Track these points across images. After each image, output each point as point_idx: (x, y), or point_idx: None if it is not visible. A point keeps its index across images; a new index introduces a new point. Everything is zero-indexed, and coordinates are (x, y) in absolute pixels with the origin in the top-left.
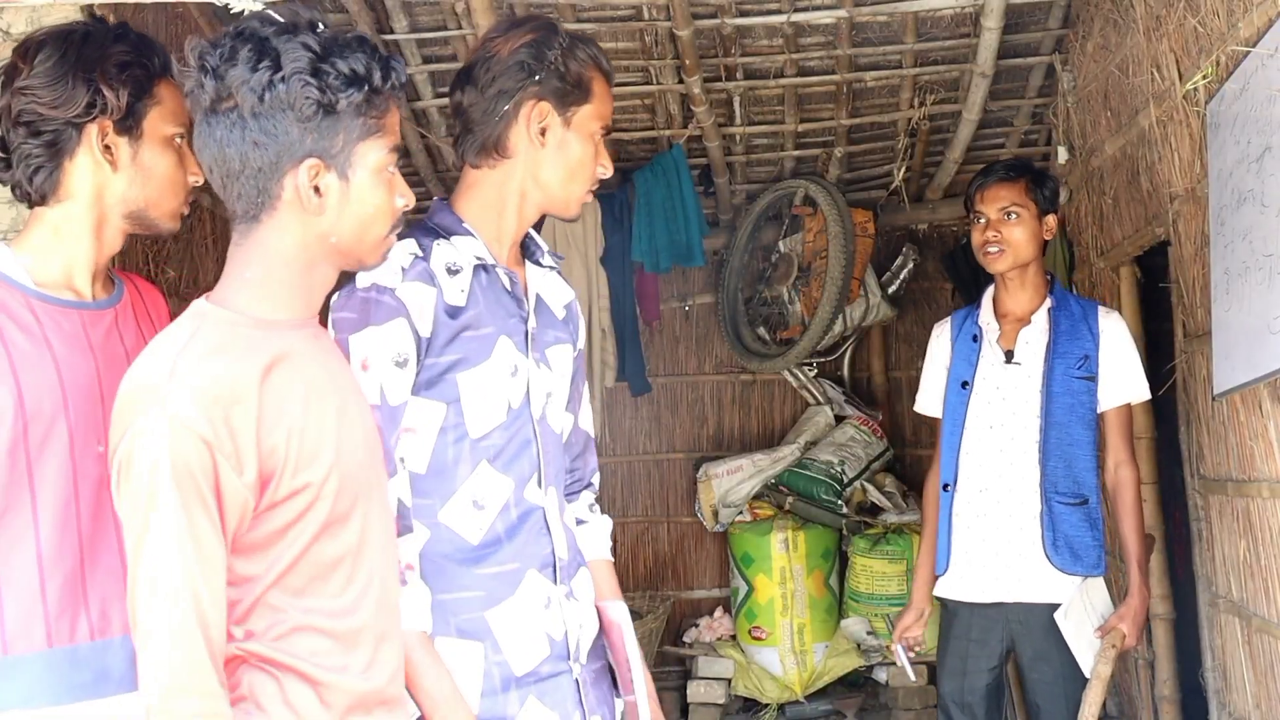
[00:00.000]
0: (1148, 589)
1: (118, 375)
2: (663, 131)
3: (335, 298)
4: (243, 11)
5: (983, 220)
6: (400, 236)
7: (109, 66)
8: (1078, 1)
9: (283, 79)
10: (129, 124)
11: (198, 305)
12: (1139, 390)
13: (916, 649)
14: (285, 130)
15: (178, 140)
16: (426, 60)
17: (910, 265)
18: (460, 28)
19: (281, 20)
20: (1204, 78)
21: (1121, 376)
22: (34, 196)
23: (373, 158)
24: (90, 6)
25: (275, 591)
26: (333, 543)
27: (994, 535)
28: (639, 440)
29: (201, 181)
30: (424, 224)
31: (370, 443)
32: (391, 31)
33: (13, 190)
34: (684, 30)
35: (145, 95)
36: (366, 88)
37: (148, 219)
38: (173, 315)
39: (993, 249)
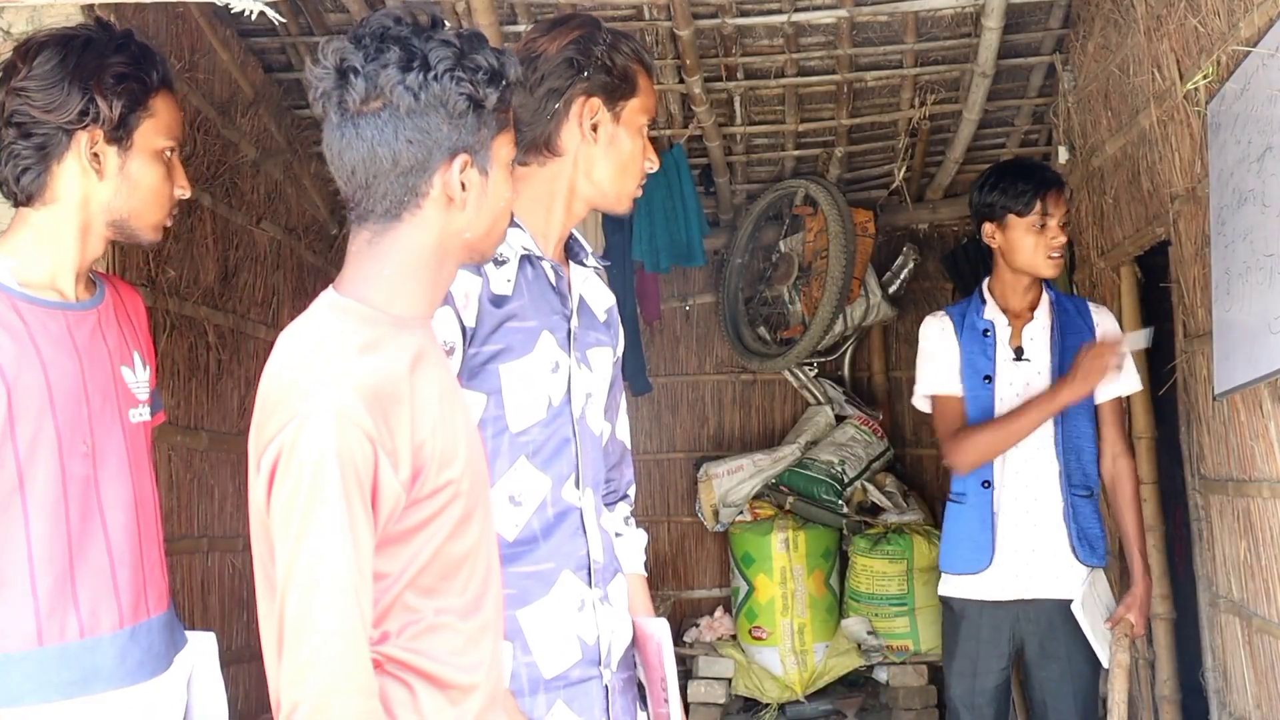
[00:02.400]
0: (1149, 576)
1: (101, 375)
2: (663, 131)
3: None
4: (243, 12)
5: (1044, 223)
6: None
7: (106, 76)
8: (1078, 1)
9: (435, 77)
10: (119, 135)
11: (332, 299)
12: (1132, 382)
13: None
14: (437, 127)
15: (168, 154)
16: None
17: (911, 265)
18: (460, 27)
19: (414, 19)
20: (1205, 77)
21: (1121, 368)
22: (20, 196)
23: (504, 152)
24: (90, 6)
25: (410, 591)
26: (461, 540)
27: (1012, 532)
28: (639, 440)
29: (188, 195)
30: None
31: (478, 436)
32: None
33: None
34: (684, 30)
35: (139, 108)
36: (504, 83)
37: (129, 228)
38: (169, 316)
39: (1056, 254)
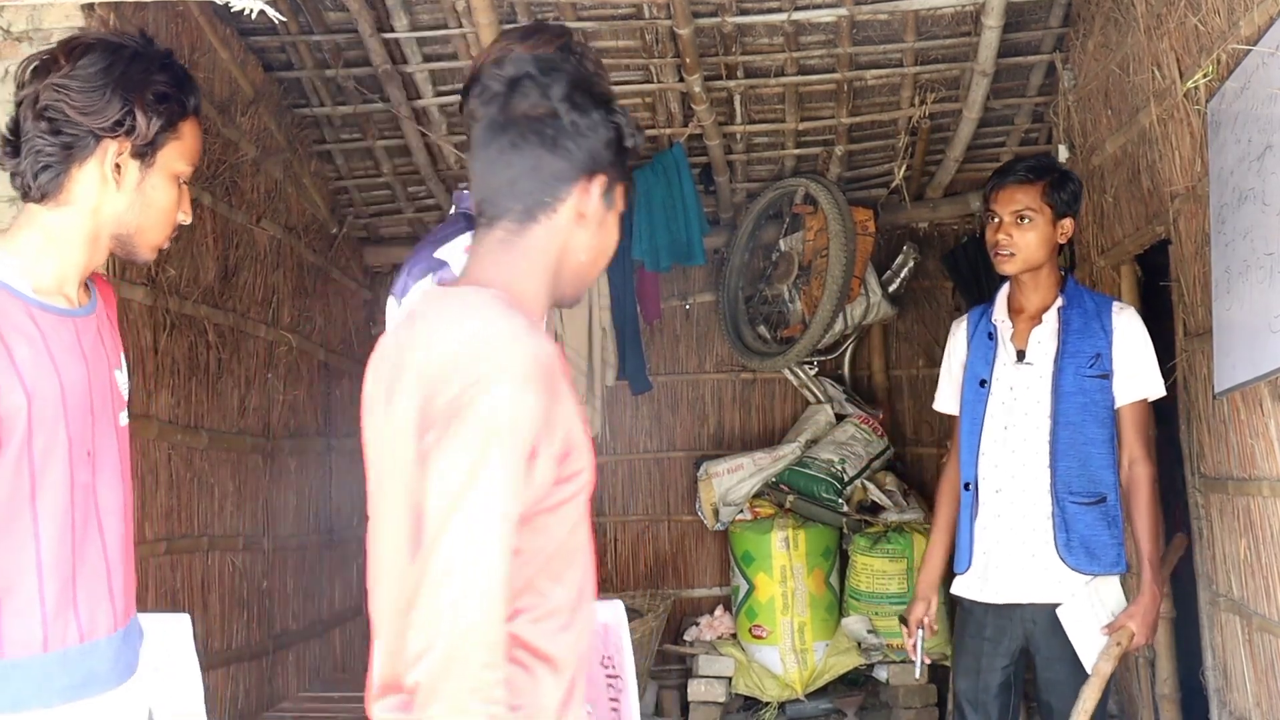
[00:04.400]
0: (1160, 588)
1: (101, 381)
2: (663, 130)
3: (432, 283)
4: (244, 11)
5: (996, 220)
6: (455, 234)
7: (149, 92)
8: (1078, 0)
9: (596, 105)
10: (145, 150)
11: (477, 289)
12: (1153, 387)
13: (933, 630)
14: (587, 147)
15: (182, 180)
16: (427, 59)
17: (911, 264)
18: (460, 26)
19: (581, 58)
20: (1205, 76)
21: (1134, 373)
22: (33, 192)
23: (619, 202)
24: (90, 6)
25: (541, 574)
26: (580, 531)
27: (1009, 536)
28: (639, 439)
29: (189, 222)
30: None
31: None
32: (392, 30)
33: (12, 179)
34: (684, 28)
35: (170, 129)
36: (635, 141)
37: (131, 244)
38: (169, 315)
39: (1003, 251)
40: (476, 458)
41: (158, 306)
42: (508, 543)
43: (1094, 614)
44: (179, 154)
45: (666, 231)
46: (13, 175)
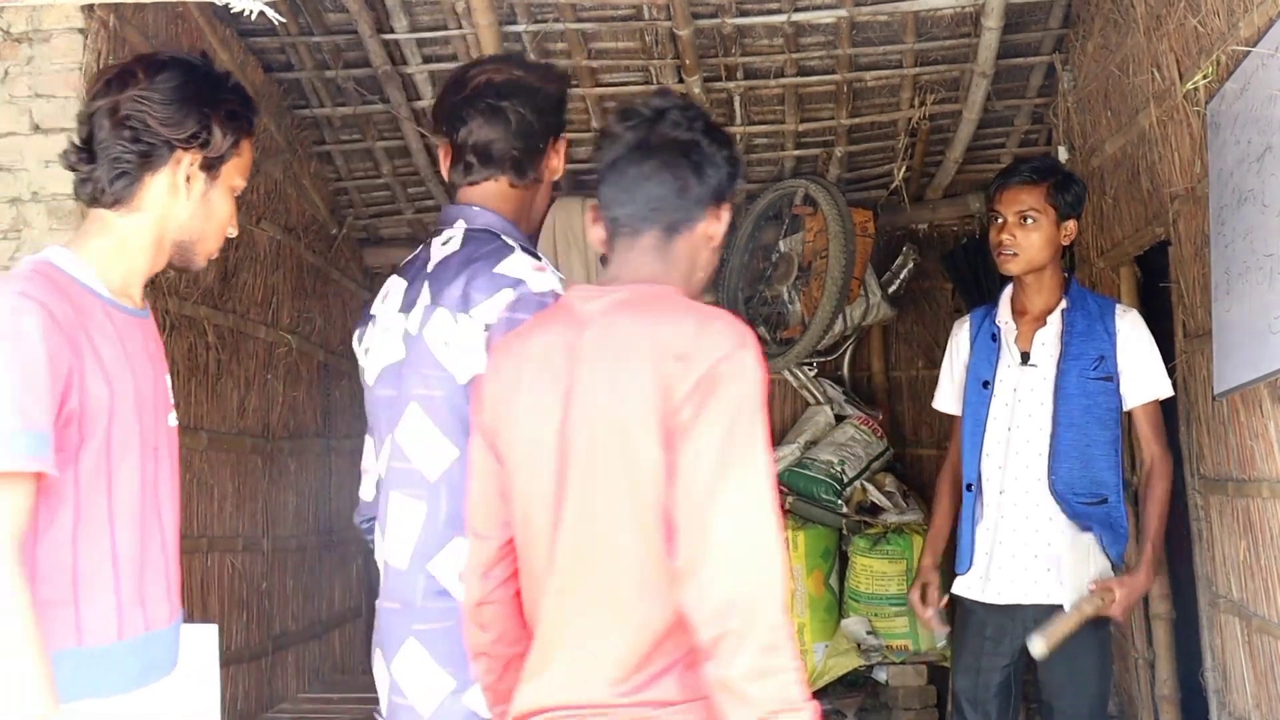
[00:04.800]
0: (1152, 571)
1: (159, 381)
2: None
3: (514, 299)
4: (243, 11)
5: (999, 220)
6: (501, 251)
7: (222, 110)
8: (1078, 1)
9: (728, 145)
10: (214, 164)
11: (656, 285)
12: (1162, 387)
13: (941, 604)
14: (721, 180)
15: (235, 193)
16: (427, 60)
17: (910, 265)
18: (460, 27)
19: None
20: (1204, 77)
21: (1141, 375)
22: (105, 198)
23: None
24: (90, 6)
25: None
26: None
27: (1011, 538)
28: None
29: (236, 234)
30: (521, 243)
31: None
32: (391, 31)
33: (80, 185)
34: (684, 30)
35: (234, 145)
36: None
37: (190, 252)
38: (169, 316)
39: (1006, 251)
40: (744, 420)
41: (157, 307)
42: (775, 503)
43: (1087, 568)
44: (238, 169)
45: None
46: (83, 181)
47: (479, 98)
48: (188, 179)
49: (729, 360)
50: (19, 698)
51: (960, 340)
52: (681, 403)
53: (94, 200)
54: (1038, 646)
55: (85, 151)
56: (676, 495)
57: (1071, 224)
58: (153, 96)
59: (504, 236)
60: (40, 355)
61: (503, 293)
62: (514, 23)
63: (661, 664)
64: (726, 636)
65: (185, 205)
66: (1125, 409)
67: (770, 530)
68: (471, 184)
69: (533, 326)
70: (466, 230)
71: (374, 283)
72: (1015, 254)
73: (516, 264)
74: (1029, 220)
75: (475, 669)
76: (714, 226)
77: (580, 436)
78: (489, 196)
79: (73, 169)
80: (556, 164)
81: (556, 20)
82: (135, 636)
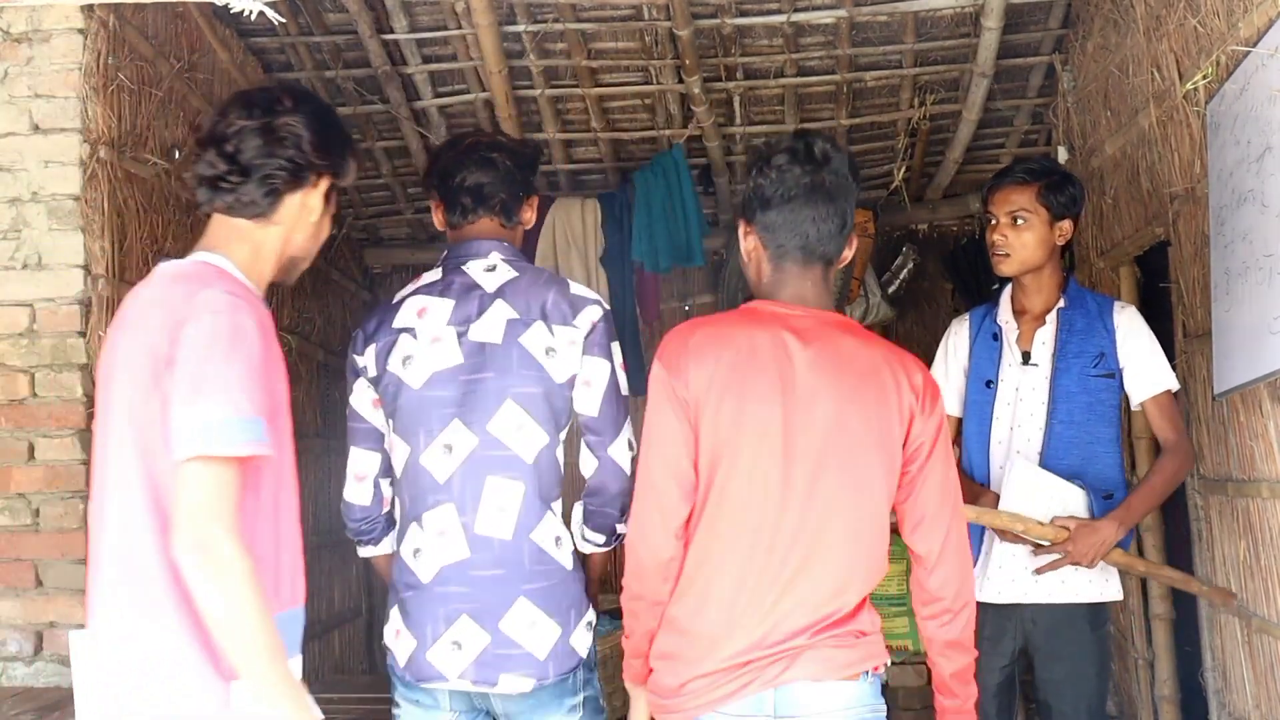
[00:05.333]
0: (1116, 528)
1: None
2: (663, 131)
3: (602, 313)
4: (243, 11)
5: (993, 221)
6: (558, 276)
7: (351, 143)
8: (1078, 1)
9: (859, 183)
10: (332, 191)
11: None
12: (1167, 378)
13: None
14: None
15: None
16: (426, 60)
17: (910, 265)
18: (460, 27)
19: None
20: (1204, 78)
21: (1144, 369)
22: (248, 210)
23: None
24: (90, 6)
25: None
26: None
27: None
28: (639, 440)
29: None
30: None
31: None
32: (391, 31)
33: (222, 194)
34: (684, 30)
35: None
36: None
37: (295, 268)
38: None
39: (999, 252)
40: (948, 433)
41: None
42: None
43: (1045, 496)
44: (335, 198)
45: (666, 233)
46: (227, 193)
47: (472, 151)
48: (325, 199)
49: (921, 375)
50: (266, 652)
51: (959, 340)
52: (918, 427)
53: (231, 210)
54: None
55: (235, 167)
56: (919, 498)
57: (1067, 224)
58: (308, 121)
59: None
60: (258, 349)
61: (590, 308)
62: (514, 23)
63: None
64: (964, 607)
65: (308, 225)
66: (1134, 405)
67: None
68: (470, 224)
69: (731, 324)
70: (505, 259)
71: (373, 283)
72: (1008, 254)
73: (580, 286)
74: (1020, 221)
75: (645, 618)
76: (849, 255)
77: (813, 431)
78: (489, 234)
79: (219, 182)
80: (530, 217)
81: (556, 20)
82: (298, 607)
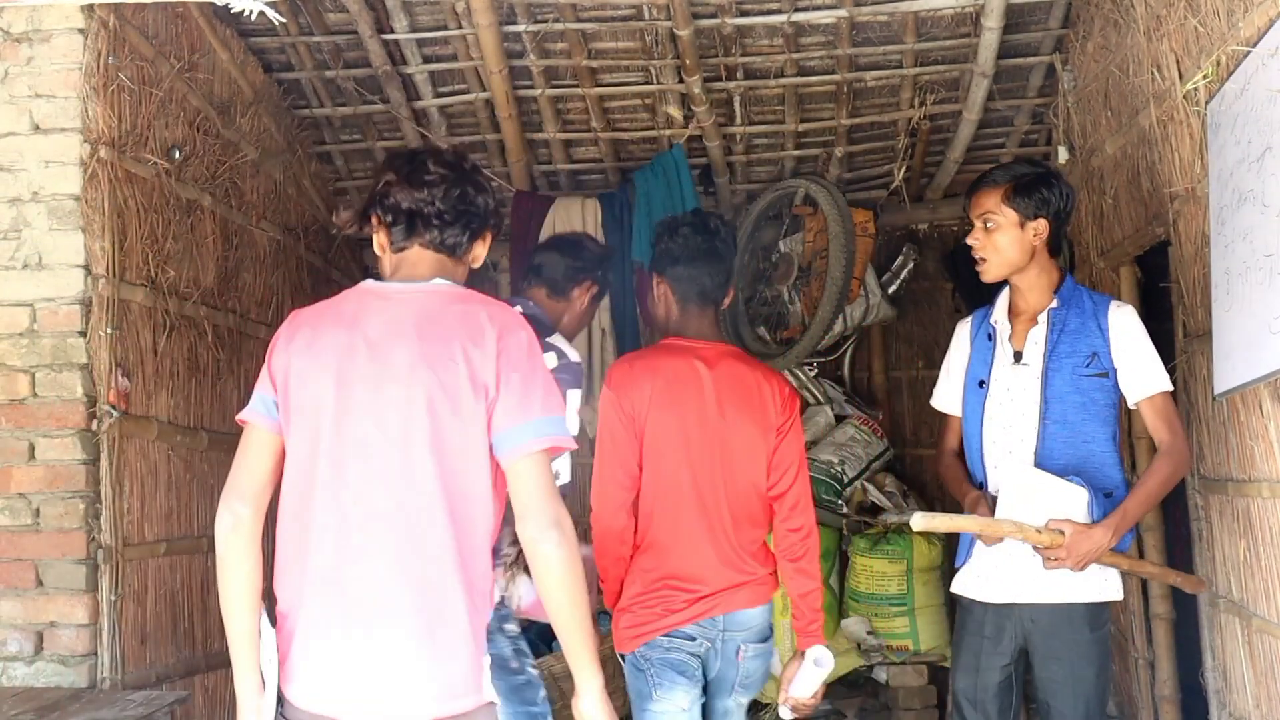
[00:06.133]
0: (1111, 533)
1: None
2: (663, 131)
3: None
4: (244, 11)
5: (973, 225)
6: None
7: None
8: (1078, 1)
9: None
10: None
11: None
12: (1160, 379)
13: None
14: None
15: None
16: (427, 60)
17: (910, 265)
18: (460, 27)
19: None
20: (1204, 78)
21: (1140, 369)
22: (452, 250)
23: None
24: (90, 6)
25: None
26: None
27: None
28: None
29: None
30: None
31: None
32: (392, 31)
33: (443, 235)
34: (684, 30)
35: None
36: None
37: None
38: (169, 316)
39: (976, 256)
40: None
41: (158, 307)
42: None
43: (1044, 498)
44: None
45: None
46: (445, 233)
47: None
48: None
49: (793, 400)
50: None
51: (961, 340)
52: (782, 422)
53: (442, 247)
54: (918, 521)
55: (448, 217)
56: (781, 464)
57: (1041, 224)
58: (486, 188)
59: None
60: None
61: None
62: (514, 23)
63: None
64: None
65: (473, 265)
66: (1130, 406)
67: None
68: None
69: (657, 357)
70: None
71: None
72: (984, 259)
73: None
74: (990, 224)
75: (614, 570)
76: (727, 301)
77: (718, 428)
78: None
79: (443, 224)
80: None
81: (556, 20)
82: None
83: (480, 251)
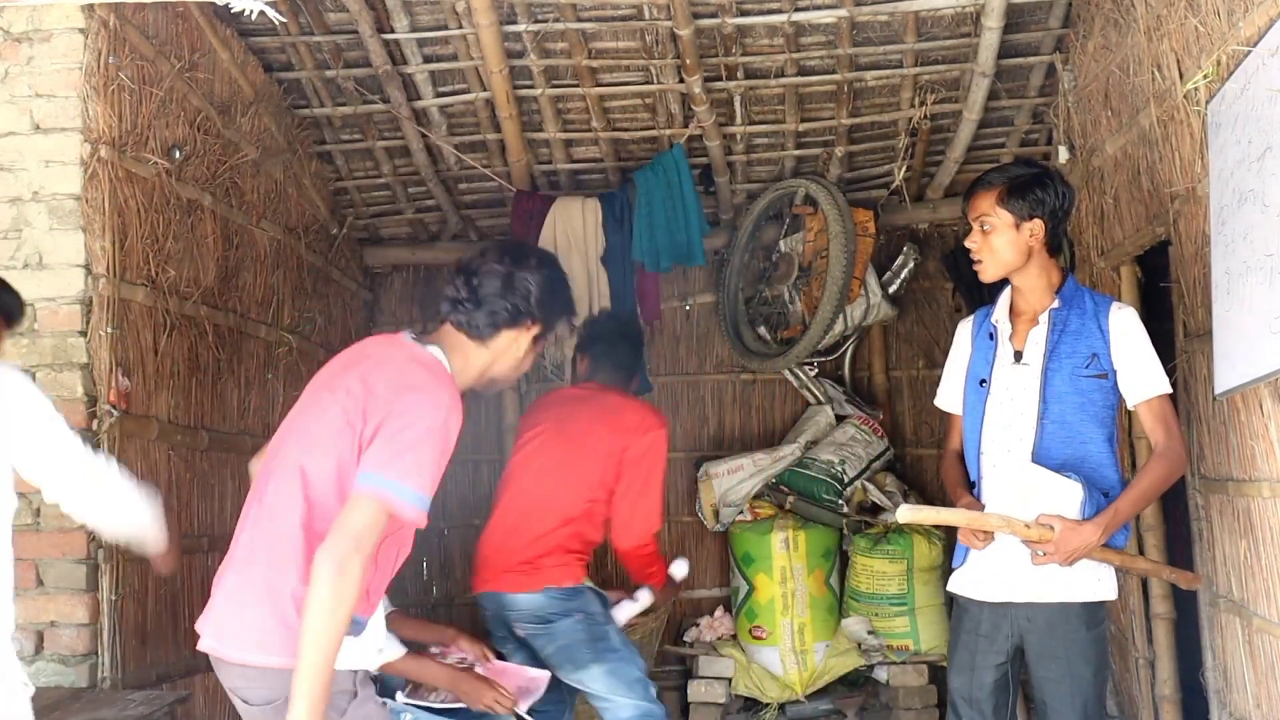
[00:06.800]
0: (1101, 531)
1: None
2: (663, 131)
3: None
4: (244, 11)
5: (971, 227)
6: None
7: (571, 318)
8: (1078, 1)
9: None
10: (540, 339)
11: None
12: (1159, 382)
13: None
14: None
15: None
16: (427, 60)
17: (911, 265)
18: (460, 26)
19: None
20: (1205, 77)
21: (1139, 372)
22: (472, 331)
23: None
24: (90, 6)
25: None
26: None
27: (1004, 535)
28: None
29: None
30: None
31: None
32: (392, 31)
33: (457, 313)
34: (684, 29)
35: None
36: None
37: (494, 385)
38: (169, 316)
39: (974, 259)
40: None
41: (158, 307)
42: None
43: (1041, 496)
44: (535, 346)
45: (666, 232)
46: (460, 313)
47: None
48: (522, 341)
49: (645, 429)
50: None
51: (962, 339)
52: (627, 442)
53: (459, 327)
54: (903, 513)
55: (474, 299)
56: (623, 482)
57: (1037, 224)
58: (540, 281)
59: None
60: (450, 450)
61: None
62: (514, 22)
63: None
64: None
65: (511, 358)
66: (1129, 407)
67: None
68: None
69: (558, 394)
70: None
71: (374, 283)
72: (980, 260)
73: None
74: (986, 226)
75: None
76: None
77: (554, 454)
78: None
79: (457, 304)
80: None
81: (557, 20)
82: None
83: (509, 341)
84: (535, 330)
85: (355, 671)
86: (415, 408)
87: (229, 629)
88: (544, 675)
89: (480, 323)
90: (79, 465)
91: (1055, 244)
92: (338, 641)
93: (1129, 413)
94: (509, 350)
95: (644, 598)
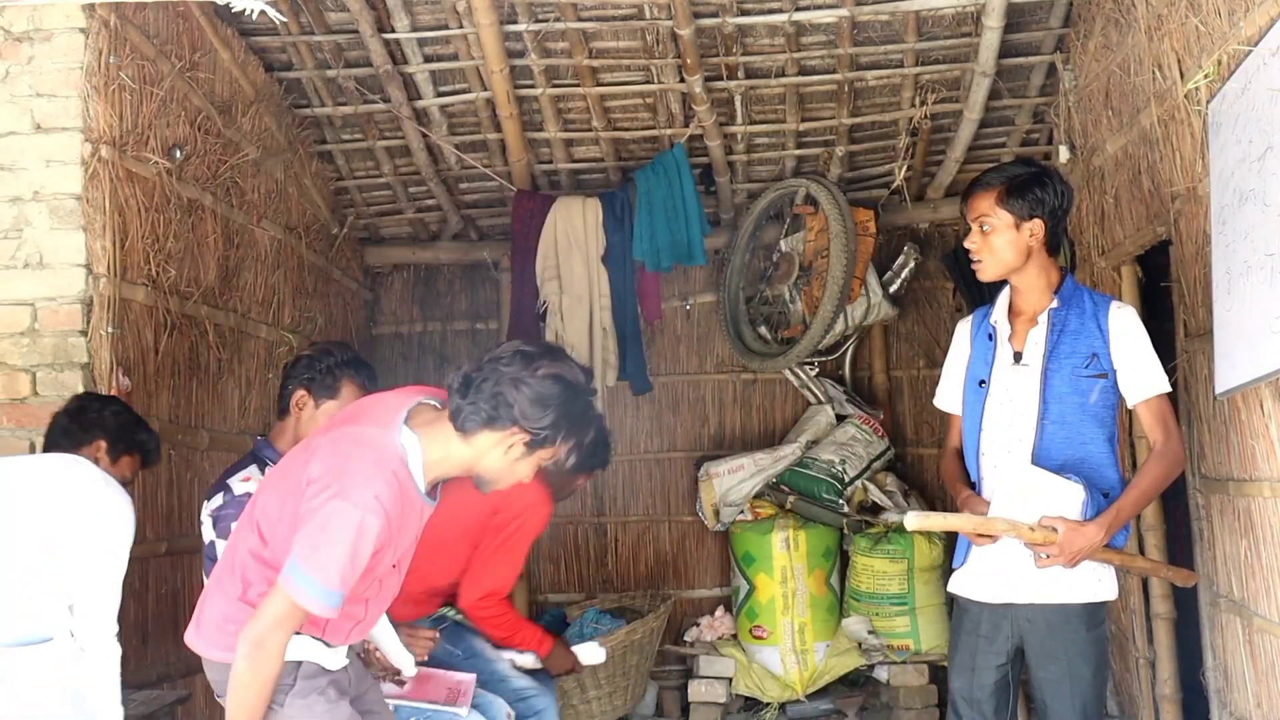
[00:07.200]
0: (1103, 531)
1: (409, 544)
2: (664, 130)
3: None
4: (245, 11)
5: (969, 228)
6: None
7: (584, 439)
8: (1079, 0)
9: None
10: (536, 448)
11: None
12: (1158, 382)
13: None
14: None
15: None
16: (427, 59)
17: (911, 264)
18: (461, 26)
19: None
20: (1205, 77)
21: (1139, 371)
22: (456, 421)
23: None
24: (91, 6)
25: None
26: None
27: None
28: (640, 439)
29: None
30: None
31: None
32: (393, 30)
33: (453, 401)
34: (685, 29)
35: (550, 446)
36: None
37: (484, 484)
38: (169, 315)
39: (973, 259)
40: None
41: (158, 307)
42: None
43: (1042, 497)
44: (552, 455)
45: (667, 232)
46: (455, 399)
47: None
48: (510, 447)
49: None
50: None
51: (962, 339)
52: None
53: (449, 414)
54: (911, 521)
55: (463, 388)
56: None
57: (1036, 224)
58: (529, 389)
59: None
60: (368, 550)
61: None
62: (515, 22)
63: None
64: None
65: (500, 461)
66: (1129, 407)
67: None
68: None
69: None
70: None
71: (375, 282)
72: (980, 260)
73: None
74: (985, 227)
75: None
76: None
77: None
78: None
79: (451, 391)
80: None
81: (557, 19)
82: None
83: (492, 443)
84: (523, 438)
85: (300, 664)
86: (332, 505)
87: (201, 624)
88: (470, 677)
89: (462, 416)
90: (91, 624)
91: (1055, 244)
92: (258, 711)
93: (1129, 412)
94: (491, 453)
95: (528, 660)
